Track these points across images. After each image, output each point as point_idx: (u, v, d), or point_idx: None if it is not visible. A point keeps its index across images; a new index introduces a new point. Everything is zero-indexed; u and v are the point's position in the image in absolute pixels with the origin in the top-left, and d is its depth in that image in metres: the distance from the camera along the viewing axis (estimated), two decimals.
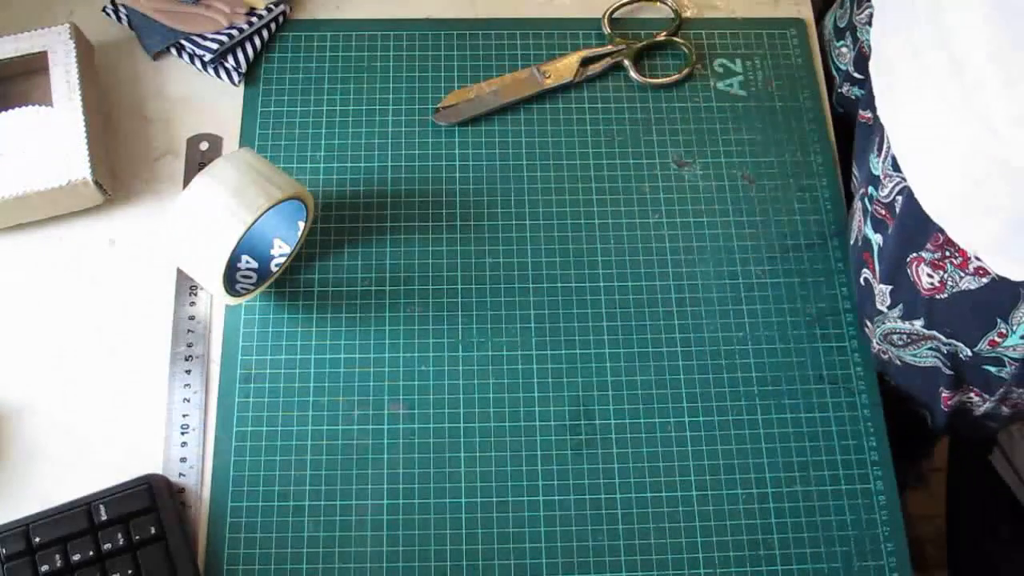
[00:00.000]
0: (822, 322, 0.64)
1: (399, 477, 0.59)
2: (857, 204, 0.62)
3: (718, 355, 0.63)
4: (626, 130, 0.70)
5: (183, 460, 0.59)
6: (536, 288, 0.64)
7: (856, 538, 0.58)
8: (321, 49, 0.72)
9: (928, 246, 0.53)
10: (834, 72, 0.74)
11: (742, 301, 0.65)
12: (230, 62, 0.69)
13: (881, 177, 0.57)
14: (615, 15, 0.74)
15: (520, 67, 0.71)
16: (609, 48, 0.72)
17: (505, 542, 0.58)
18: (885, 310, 0.59)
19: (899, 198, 0.55)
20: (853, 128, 0.75)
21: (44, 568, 0.54)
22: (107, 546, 0.54)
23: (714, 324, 0.64)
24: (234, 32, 0.69)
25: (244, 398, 0.61)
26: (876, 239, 0.59)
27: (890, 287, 0.58)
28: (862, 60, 0.68)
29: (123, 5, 0.70)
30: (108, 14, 0.71)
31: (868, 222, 0.59)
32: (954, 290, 0.53)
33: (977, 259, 0.51)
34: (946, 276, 0.53)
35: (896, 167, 0.54)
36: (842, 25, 0.72)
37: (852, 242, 0.63)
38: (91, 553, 0.54)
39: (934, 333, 0.58)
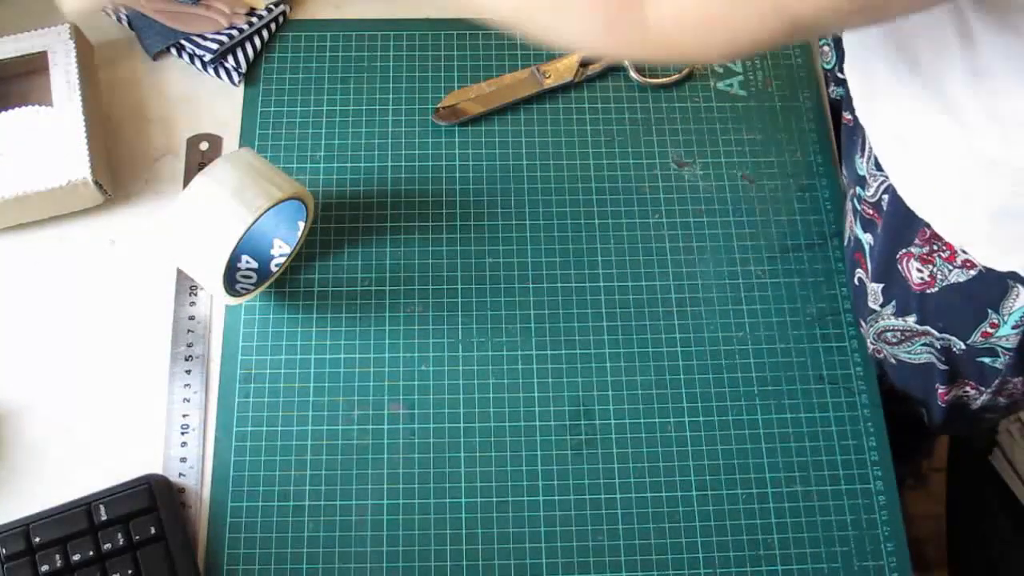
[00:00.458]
0: (822, 322, 0.64)
1: (399, 477, 0.59)
2: (848, 205, 0.63)
3: (718, 355, 0.63)
4: (626, 130, 0.70)
5: (183, 460, 0.59)
6: (536, 288, 0.64)
7: (856, 538, 0.58)
8: (321, 49, 0.72)
9: (916, 241, 0.54)
10: (820, 72, 0.74)
11: (742, 301, 0.65)
12: (230, 62, 0.69)
13: (867, 177, 0.57)
14: None
15: (520, 67, 0.71)
16: None
17: (505, 542, 0.58)
18: (878, 308, 0.59)
19: (885, 196, 0.55)
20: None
21: (44, 568, 0.54)
22: (107, 546, 0.54)
23: (714, 324, 0.64)
24: (234, 32, 0.69)
25: (244, 398, 0.61)
26: (866, 239, 0.59)
27: (882, 285, 0.58)
28: (843, 61, 0.68)
29: (123, 5, 0.70)
30: (108, 14, 0.71)
31: (858, 222, 0.60)
32: (944, 284, 0.54)
33: (964, 252, 0.51)
34: (935, 270, 0.54)
35: (879, 166, 0.54)
36: None
37: (845, 243, 0.63)
38: (91, 553, 0.54)
39: (927, 328, 0.58)
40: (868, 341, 0.62)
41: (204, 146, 0.68)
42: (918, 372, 0.62)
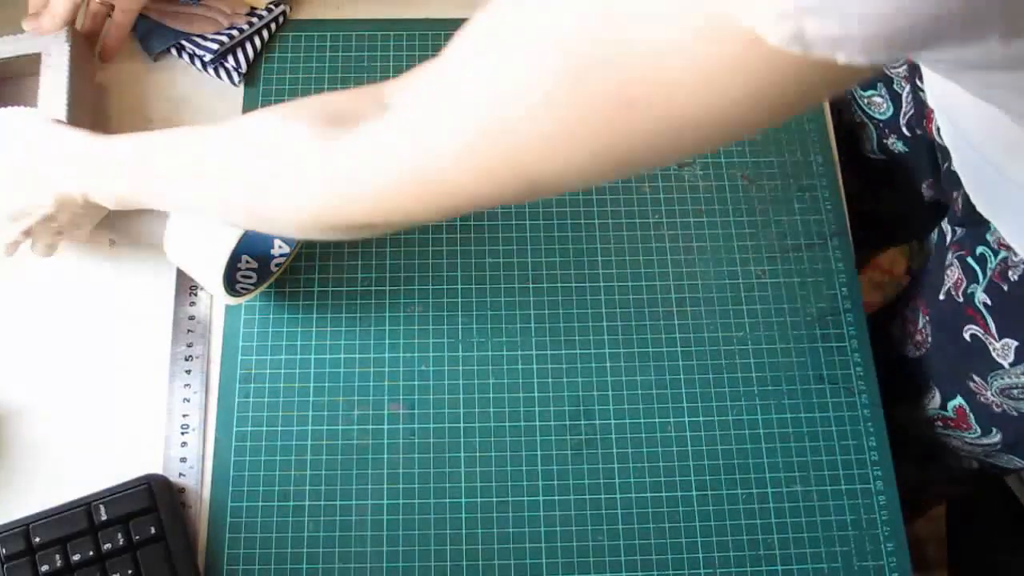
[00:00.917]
0: (822, 322, 0.64)
1: (399, 477, 0.59)
2: (952, 259, 0.61)
3: (718, 355, 0.63)
4: None
5: (183, 460, 0.59)
6: (536, 288, 0.64)
7: (856, 538, 0.58)
8: (321, 49, 0.72)
9: None
10: (863, 119, 0.73)
11: (742, 301, 0.65)
12: (230, 62, 0.69)
13: (1001, 244, 0.56)
14: None
15: None
16: None
17: (505, 542, 0.58)
18: (1007, 365, 0.58)
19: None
20: (853, 130, 0.75)
21: (44, 568, 0.54)
22: (107, 546, 0.54)
23: (714, 324, 0.64)
24: (234, 32, 0.69)
25: (244, 398, 0.61)
26: (981, 297, 0.57)
27: (1015, 343, 0.57)
28: (906, 118, 0.68)
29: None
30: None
31: (981, 284, 0.58)
32: None
33: None
34: None
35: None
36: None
37: (944, 297, 0.62)
38: (91, 553, 0.54)
39: None
40: (988, 394, 0.61)
41: None
42: None
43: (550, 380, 0.62)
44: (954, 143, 0.57)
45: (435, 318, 0.63)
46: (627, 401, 0.61)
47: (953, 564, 1.02)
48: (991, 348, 0.58)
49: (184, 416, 0.60)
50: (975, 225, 0.58)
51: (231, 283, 0.61)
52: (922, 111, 0.65)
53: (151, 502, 0.56)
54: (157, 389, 0.61)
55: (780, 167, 0.69)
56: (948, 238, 0.63)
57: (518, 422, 0.61)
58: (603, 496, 0.59)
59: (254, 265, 0.62)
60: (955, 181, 0.58)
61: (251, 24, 0.69)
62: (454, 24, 0.77)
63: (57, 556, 0.54)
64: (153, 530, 0.55)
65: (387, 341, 0.63)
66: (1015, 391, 0.59)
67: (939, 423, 0.67)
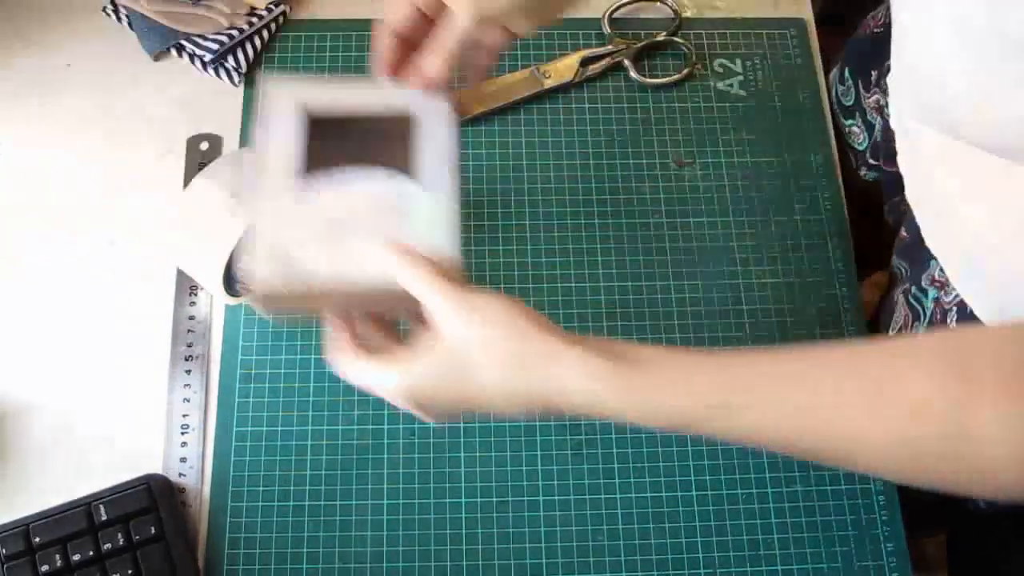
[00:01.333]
0: (822, 322, 0.64)
1: (399, 477, 0.59)
2: (899, 295, 0.61)
3: None
4: (626, 130, 0.70)
5: (183, 460, 0.59)
6: (536, 288, 0.64)
7: (856, 538, 0.58)
8: (321, 49, 0.72)
9: None
10: (846, 146, 0.73)
11: (742, 301, 0.65)
12: (230, 62, 0.69)
13: (934, 282, 0.56)
14: (615, 15, 0.74)
15: (520, 67, 0.71)
16: (609, 48, 0.72)
17: (505, 542, 0.58)
18: None
19: (954, 308, 0.54)
20: (843, 159, 0.75)
21: (44, 568, 0.54)
22: (107, 546, 0.54)
23: (714, 324, 0.64)
24: (234, 32, 0.69)
25: (244, 398, 0.61)
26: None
27: None
28: (876, 149, 0.69)
29: (123, 6, 0.70)
30: (108, 14, 0.71)
31: (922, 321, 0.57)
32: None
33: None
34: None
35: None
36: (848, 103, 0.71)
37: (892, 330, 0.61)
38: (91, 553, 0.54)
39: None
40: None
41: (204, 146, 0.68)
42: None
43: None
44: (910, 170, 0.57)
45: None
46: None
47: (953, 564, 1.02)
48: None
49: (184, 416, 0.60)
50: (919, 260, 0.58)
51: (231, 283, 0.61)
52: (892, 143, 0.65)
53: (151, 502, 0.56)
54: (157, 389, 0.61)
55: (780, 167, 0.69)
56: (900, 274, 0.63)
57: (518, 422, 0.61)
58: (603, 496, 0.59)
59: None
60: (903, 212, 0.57)
61: (251, 24, 0.69)
62: None
63: (57, 556, 0.54)
64: (153, 530, 0.55)
65: None
66: None
67: None
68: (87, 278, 0.64)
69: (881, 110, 0.67)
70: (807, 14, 0.75)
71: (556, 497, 0.59)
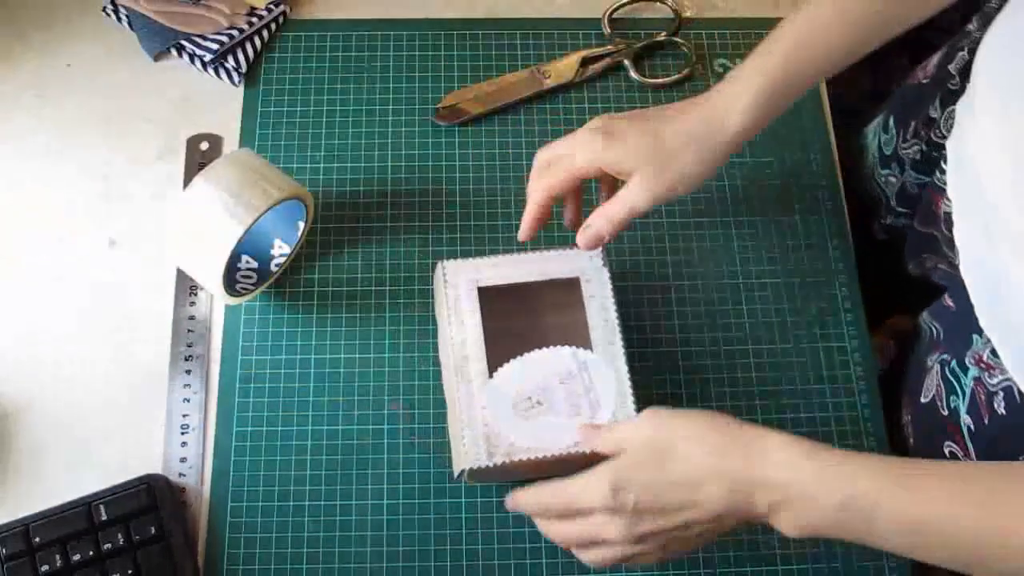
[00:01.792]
0: (822, 322, 0.64)
1: (399, 477, 0.59)
2: (934, 362, 0.59)
3: (718, 355, 0.63)
4: None
5: (183, 460, 0.59)
6: None
7: None
8: (321, 49, 0.72)
9: None
10: (879, 195, 0.72)
11: (742, 301, 0.65)
12: (230, 62, 0.69)
13: (980, 362, 0.54)
14: (615, 15, 0.74)
15: (520, 67, 0.71)
16: (609, 48, 0.72)
17: (505, 542, 0.58)
18: None
19: (1002, 393, 0.53)
20: (853, 136, 0.75)
21: (44, 568, 0.54)
22: (107, 546, 0.54)
23: (714, 324, 0.64)
24: (234, 32, 0.69)
25: (244, 398, 0.61)
26: (966, 420, 0.56)
27: None
28: (904, 195, 0.68)
29: (123, 6, 0.70)
30: (108, 14, 0.71)
31: (958, 395, 0.56)
32: None
33: None
34: None
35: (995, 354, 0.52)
36: (888, 152, 0.70)
37: (926, 400, 0.60)
38: (91, 553, 0.54)
39: None
40: None
41: (204, 146, 0.68)
42: None
43: None
44: (967, 240, 0.54)
45: (435, 318, 0.63)
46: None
47: None
48: None
49: (184, 416, 0.60)
50: (961, 334, 0.56)
51: (231, 283, 0.61)
52: (931, 196, 0.62)
53: (151, 502, 0.56)
54: (157, 389, 0.61)
55: (780, 167, 0.69)
56: (931, 335, 0.61)
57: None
58: None
59: (254, 265, 0.62)
60: (929, 269, 0.56)
61: (251, 24, 0.69)
62: (454, 24, 0.77)
63: (57, 556, 0.54)
64: (153, 530, 0.55)
65: (387, 341, 0.63)
66: None
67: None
68: (87, 278, 0.64)
69: (916, 163, 0.66)
70: None
71: None
